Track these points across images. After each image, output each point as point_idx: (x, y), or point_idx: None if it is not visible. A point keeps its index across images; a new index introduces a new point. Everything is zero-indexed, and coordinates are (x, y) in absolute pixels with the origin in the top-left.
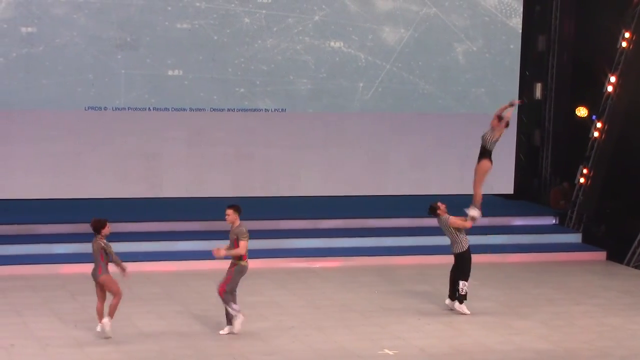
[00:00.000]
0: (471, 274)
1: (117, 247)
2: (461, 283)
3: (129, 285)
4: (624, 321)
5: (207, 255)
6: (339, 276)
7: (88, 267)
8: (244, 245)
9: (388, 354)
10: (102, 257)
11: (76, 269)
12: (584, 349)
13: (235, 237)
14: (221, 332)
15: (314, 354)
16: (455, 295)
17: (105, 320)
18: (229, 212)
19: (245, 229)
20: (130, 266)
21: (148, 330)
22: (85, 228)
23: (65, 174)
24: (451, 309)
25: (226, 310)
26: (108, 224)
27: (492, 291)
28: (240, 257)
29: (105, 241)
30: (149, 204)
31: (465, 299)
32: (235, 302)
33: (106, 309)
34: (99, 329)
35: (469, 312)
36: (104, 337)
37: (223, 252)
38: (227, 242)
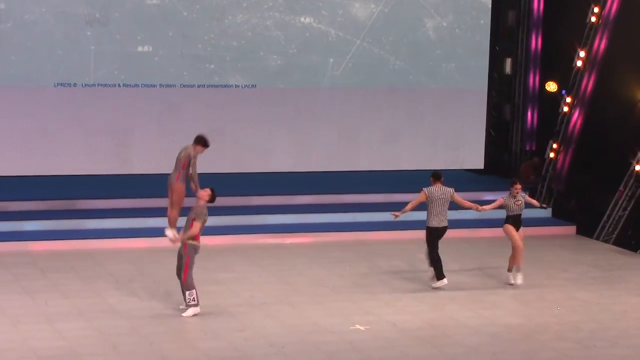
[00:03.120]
0: (443, 249)
1: (87, 223)
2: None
3: (100, 262)
4: (594, 295)
5: (178, 231)
6: (310, 252)
7: (58, 245)
8: (197, 226)
9: (359, 329)
10: (183, 166)
11: (46, 246)
12: (555, 323)
13: (194, 216)
14: (184, 314)
15: (286, 329)
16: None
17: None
18: (210, 192)
19: (205, 211)
20: (101, 243)
21: (119, 307)
22: (55, 205)
23: (34, 151)
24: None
25: (182, 290)
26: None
27: (464, 266)
28: (192, 237)
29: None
30: (119, 180)
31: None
32: (194, 287)
33: None
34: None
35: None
36: None
37: (179, 239)
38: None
